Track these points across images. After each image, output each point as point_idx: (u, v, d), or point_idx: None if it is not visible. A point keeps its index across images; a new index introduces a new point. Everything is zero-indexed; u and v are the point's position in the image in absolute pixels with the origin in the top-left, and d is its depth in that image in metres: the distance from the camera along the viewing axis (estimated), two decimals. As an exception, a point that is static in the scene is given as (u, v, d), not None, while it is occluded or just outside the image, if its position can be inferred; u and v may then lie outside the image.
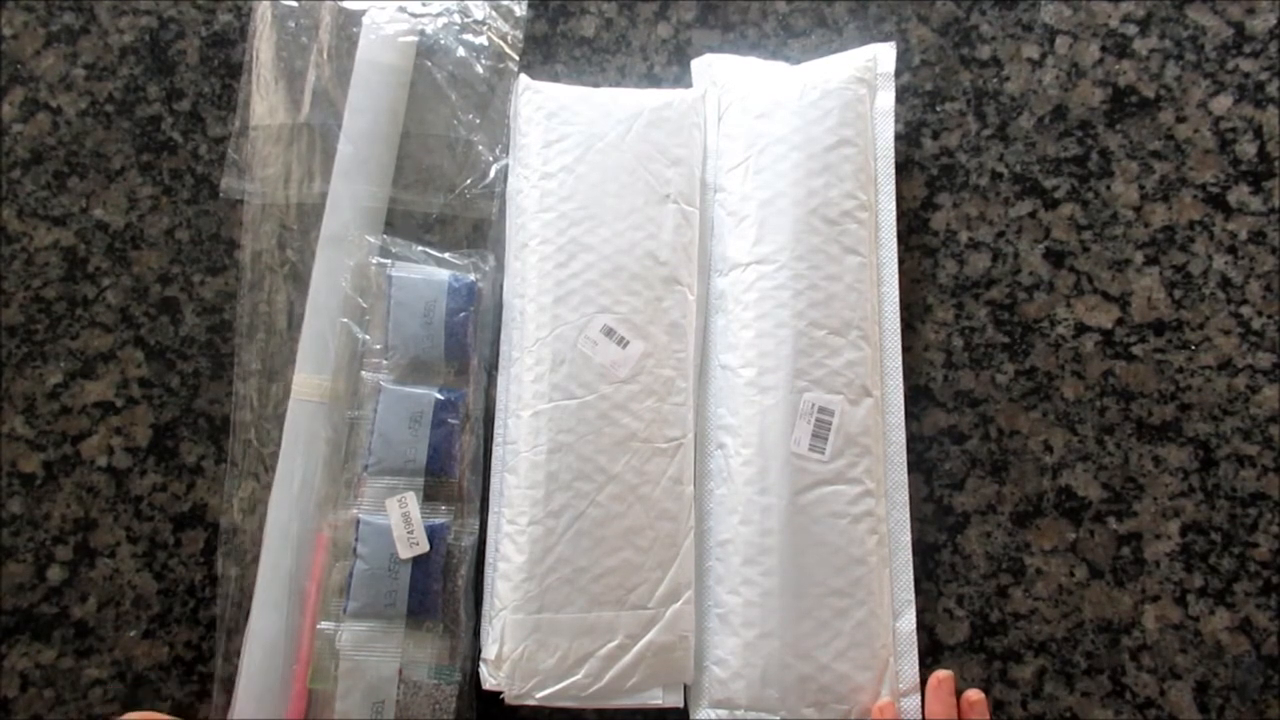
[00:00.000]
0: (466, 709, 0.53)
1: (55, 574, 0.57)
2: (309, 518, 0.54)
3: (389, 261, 0.56)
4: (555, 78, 0.61)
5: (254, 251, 0.59)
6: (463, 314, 0.55)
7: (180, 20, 0.63)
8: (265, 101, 0.60)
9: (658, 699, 0.52)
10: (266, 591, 0.54)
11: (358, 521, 0.52)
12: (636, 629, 0.51)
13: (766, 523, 0.52)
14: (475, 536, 0.54)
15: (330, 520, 0.54)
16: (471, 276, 0.56)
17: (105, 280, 0.60)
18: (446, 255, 0.57)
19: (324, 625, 0.52)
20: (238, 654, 0.55)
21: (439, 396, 0.54)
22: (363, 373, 0.55)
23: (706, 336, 0.56)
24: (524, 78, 0.59)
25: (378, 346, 0.55)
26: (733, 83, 0.59)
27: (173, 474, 0.58)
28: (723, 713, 0.52)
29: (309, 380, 0.56)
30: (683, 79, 0.61)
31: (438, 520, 0.53)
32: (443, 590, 0.52)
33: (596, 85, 0.60)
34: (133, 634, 0.56)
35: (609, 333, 0.54)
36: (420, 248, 0.57)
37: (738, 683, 0.52)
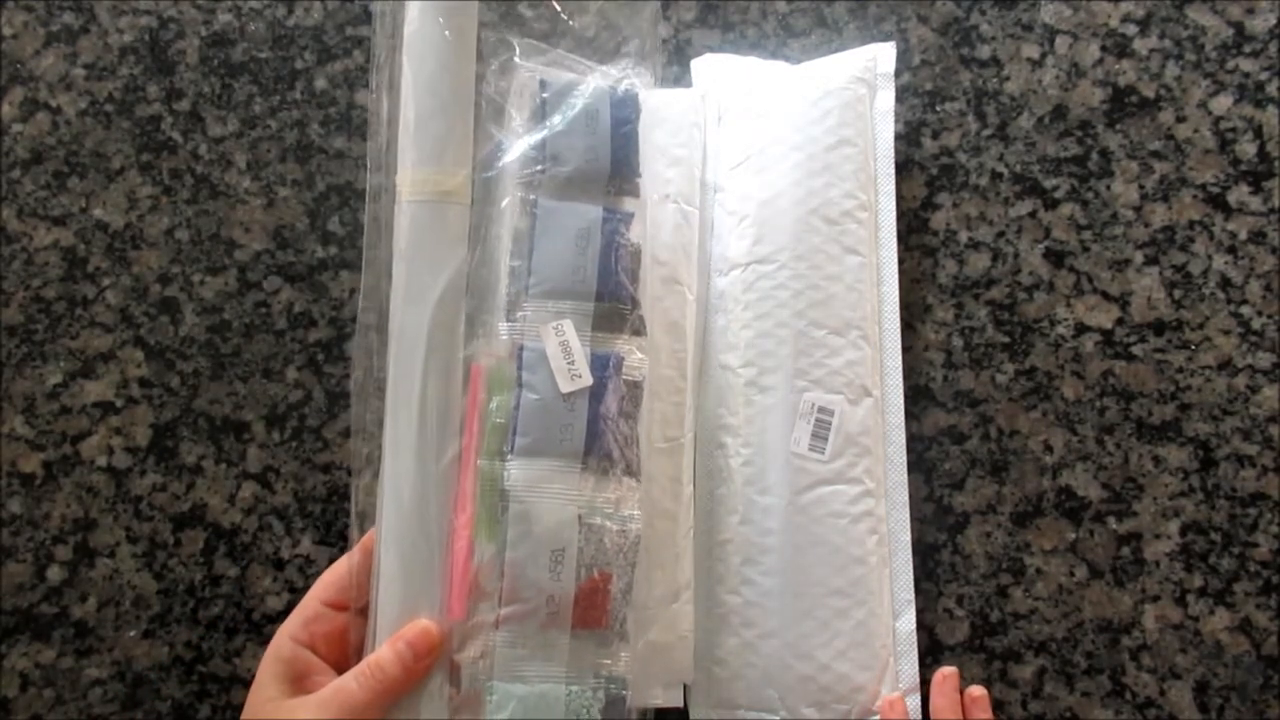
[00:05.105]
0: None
1: (55, 574, 0.57)
2: (448, 343, 0.45)
3: (531, 65, 0.48)
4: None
5: None
6: (627, 126, 0.48)
7: (180, 20, 0.63)
8: None
9: (657, 699, 0.52)
10: (397, 433, 0.44)
11: (520, 349, 0.45)
12: (635, 629, 0.51)
13: (766, 522, 0.52)
14: (647, 373, 0.48)
15: (484, 349, 0.46)
16: (633, 87, 0.49)
17: (105, 280, 0.60)
18: (599, 66, 0.50)
19: (484, 463, 0.44)
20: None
21: (605, 213, 0.47)
22: (513, 188, 0.47)
23: (706, 336, 0.56)
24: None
25: (531, 153, 0.47)
26: (733, 83, 0.59)
27: (173, 474, 0.58)
28: (723, 713, 0.52)
29: (430, 175, 0.44)
30: (683, 79, 0.61)
31: (608, 350, 0.46)
32: (618, 428, 0.45)
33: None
34: (133, 634, 0.56)
35: (609, 333, 0.54)
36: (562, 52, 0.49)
37: (738, 683, 0.51)
